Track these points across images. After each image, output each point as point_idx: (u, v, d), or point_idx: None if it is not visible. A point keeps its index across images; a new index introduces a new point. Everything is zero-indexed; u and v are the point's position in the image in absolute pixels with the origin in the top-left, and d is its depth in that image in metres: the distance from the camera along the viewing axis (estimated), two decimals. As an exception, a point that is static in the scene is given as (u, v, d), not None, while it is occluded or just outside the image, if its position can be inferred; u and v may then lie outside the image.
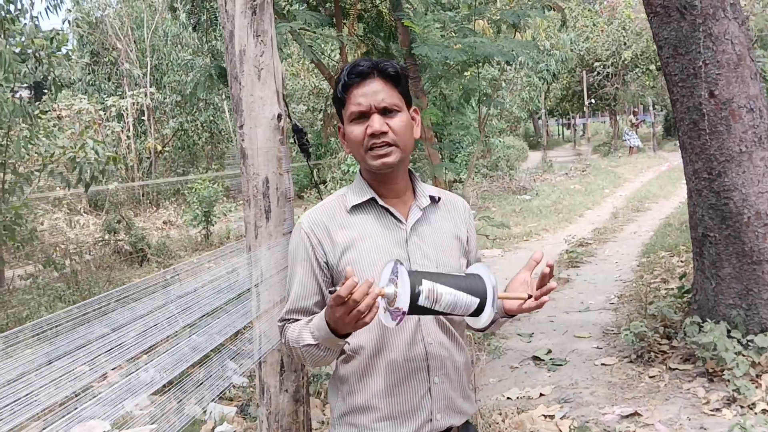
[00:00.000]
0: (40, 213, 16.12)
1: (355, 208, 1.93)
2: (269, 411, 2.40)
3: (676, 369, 4.96)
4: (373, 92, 1.84)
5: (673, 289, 6.57)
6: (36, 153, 10.40)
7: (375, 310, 1.62)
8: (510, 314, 1.88)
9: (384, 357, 1.87)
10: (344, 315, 1.61)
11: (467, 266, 2.01)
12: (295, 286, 1.93)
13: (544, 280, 1.78)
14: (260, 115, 2.34)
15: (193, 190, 14.83)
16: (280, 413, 2.40)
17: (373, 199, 1.91)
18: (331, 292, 1.60)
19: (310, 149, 2.74)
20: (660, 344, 5.31)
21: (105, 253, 13.34)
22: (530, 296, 1.78)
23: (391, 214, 1.91)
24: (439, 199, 2.00)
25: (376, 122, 1.82)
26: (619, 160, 25.37)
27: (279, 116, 2.37)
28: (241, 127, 2.35)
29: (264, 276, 2.34)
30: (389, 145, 1.82)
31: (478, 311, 1.68)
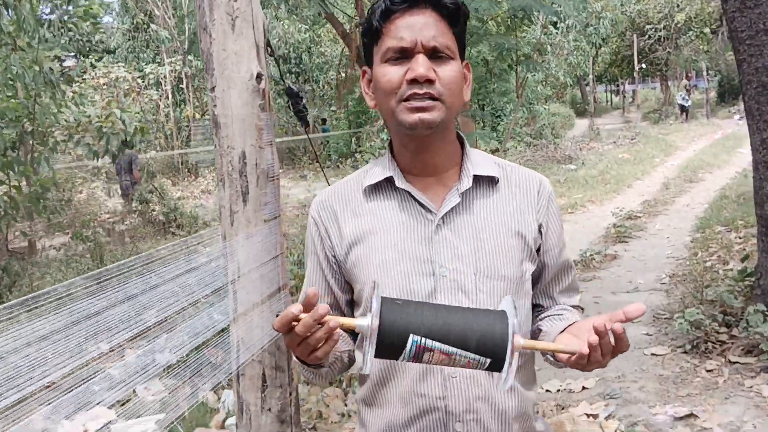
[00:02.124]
0: (79, 182, 16.06)
1: (372, 189, 1.48)
2: (249, 434, 1.99)
3: (737, 362, 4.44)
4: (423, 25, 1.35)
5: (732, 270, 6.00)
6: (65, 122, 10.15)
7: (330, 344, 1.19)
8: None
9: (392, 386, 1.44)
10: (292, 345, 1.19)
11: (544, 273, 1.53)
12: (305, 282, 1.58)
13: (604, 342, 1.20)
14: (235, 74, 1.90)
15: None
16: (262, 437, 1.99)
17: (392, 179, 1.45)
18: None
19: (313, 117, 2.30)
20: (718, 333, 4.77)
21: (139, 223, 13.20)
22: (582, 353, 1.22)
23: (415, 199, 1.44)
24: (499, 179, 1.48)
25: (422, 65, 1.33)
26: (670, 127, 24.45)
27: (259, 76, 1.93)
28: (212, 89, 1.91)
29: (241, 271, 1.92)
30: (433, 98, 1.35)
31: (496, 365, 1.17)
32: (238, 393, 1.99)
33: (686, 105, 27.14)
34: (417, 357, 1.15)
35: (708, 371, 4.41)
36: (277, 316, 1.15)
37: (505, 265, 1.41)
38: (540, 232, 1.48)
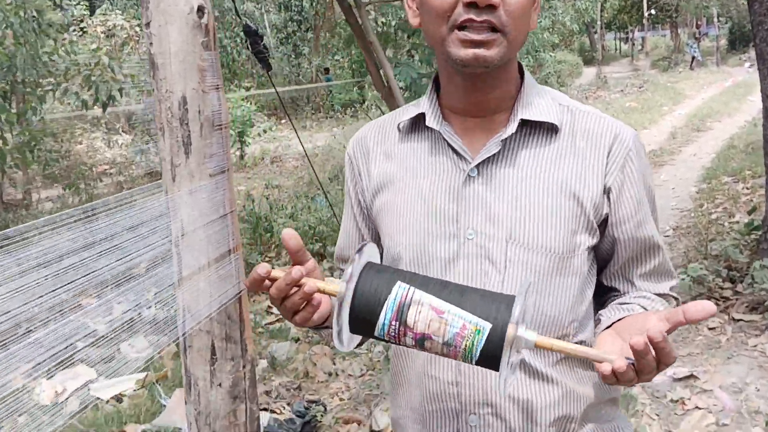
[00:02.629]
0: (78, 132, 15.85)
1: (408, 128, 1.26)
2: (198, 410, 1.80)
3: (741, 320, 4.26)
4: None
5: (738, 223, 5.78)
6: (56, 70, 9.87)
7: (309, 309, 1.06)
8: None
9: (408, 364, 1.27)
10: (275, 305, 1.08)
11: (617, 250, 1.22)
12: (341, 228, 1.43)
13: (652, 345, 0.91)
14: (172, 7, 1.66)
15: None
16: (212, 414, 1.80)
17: (424, 118, 1.22)
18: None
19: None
20: (722, 289, 4.58)
21: (137, 174, 13.03)
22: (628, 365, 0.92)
23: (448, 143, 1.20)
24: (560, 127, 1.18)
25: None
26: (679, 75, 23.98)
27: (200, 9, 1.69)
28: (147, 25, 1.68)
29: (185, 230, 1.71)
30: (494, 29, 1.07)
31: (491, 359, 0.93)
32: (186, 366, 1.80)
33: (694, 54, 26.58)
34: (399, 313, 0.94)
35: (710, 329, 4.23)
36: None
37: (548, 233, 1.14)
38: (608, 197, 1.17)
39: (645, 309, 1.17)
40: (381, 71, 3.47)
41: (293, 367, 4.31)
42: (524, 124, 1.18)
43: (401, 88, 3.66)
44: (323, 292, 1.01)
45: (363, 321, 0.97)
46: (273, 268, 1.06)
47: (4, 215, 9.47)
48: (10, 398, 1.24)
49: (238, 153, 13.84)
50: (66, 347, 1.40)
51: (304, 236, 6.61)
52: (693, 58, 26.63)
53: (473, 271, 1.16)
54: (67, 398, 4.32)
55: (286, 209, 7.60)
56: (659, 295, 1.25)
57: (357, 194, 1.34)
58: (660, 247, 1.25)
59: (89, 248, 1.54)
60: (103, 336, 1.55)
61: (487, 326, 0.91)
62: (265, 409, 3.89)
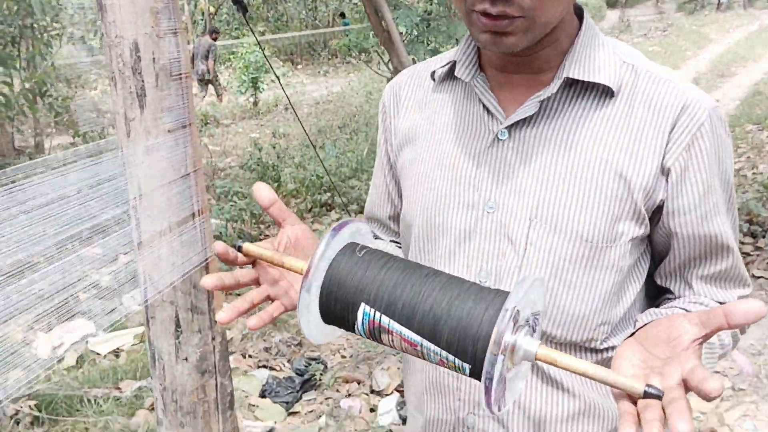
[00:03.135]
0: (93, 78, 15.67)
1: (443, 77, 1.09)
2: (163, 386, 1.67)
3: (761, 277, 4.08)
4: None
5: (762, 174, 5.55)
6: (63, 14, 9.64)
7: (264, 317, 0.90)
8: None
9: None
10: None
11: (674, 246, 1.01)
12: (372, 182, 1.28)
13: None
14: (120, -60, 1.48)
15: (239, 54, 14.01)
16: (179, 390, 1.66)
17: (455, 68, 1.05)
18: (238, 248, 0.90)
19: None
20: (742, 245, 4.39)
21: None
22: (649, 394, 0.68)
23: (479, 98, 1.03)
24: (615, 91, 0.97)
25: None
26: (705, 18, 23.26)
27: (152, -58, 1.50)
28: (93, -40, 1.50)
29: (143, 191, 1.55)
30: (512, 17, 0.88)
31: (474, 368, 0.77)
32: (149, 339, 1.66)
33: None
34: (373, 335, 0.81)
35: (728, 286, 4.07)
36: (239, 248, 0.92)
37: (581, 216, 0.95)
38: (666, 179, 0.96)
39: None
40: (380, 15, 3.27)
41: (294, 323, 4.19)
42: (572, 83, 0.98)
43: (401, 33, 3.44)
44: (287, 267, 0.87)
45: (336, 313, 0.83)
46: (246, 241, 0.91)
47: (15, 162, 9.40)
48: (8, 349, 1.12)
49: (252, 99, 13.64)
50: (66, 297, 1.26)
51: (312, 186, 6.44)
52: (719, 1, 25.82)
53: (489, 251, 1.00)
54: (64, 352, 4.25)
55: (294, 158, 7.42)
56: (723, 304, 0.99)
57: (387, 146, 1.19)
58: (730, 248, 1.02)
59: (93, 189, 1.40)
60: (99, 286, 1.42)
61: (467, 366, 0.76)
62: (265, 366, 3.79)
